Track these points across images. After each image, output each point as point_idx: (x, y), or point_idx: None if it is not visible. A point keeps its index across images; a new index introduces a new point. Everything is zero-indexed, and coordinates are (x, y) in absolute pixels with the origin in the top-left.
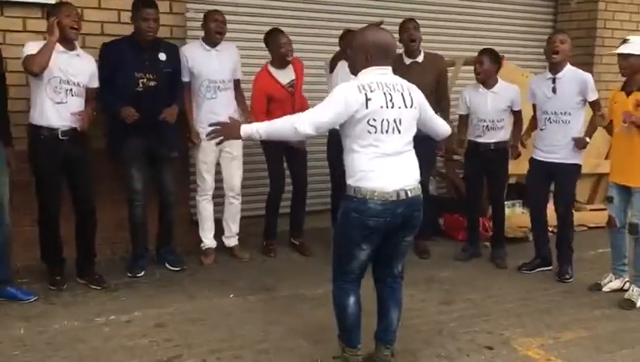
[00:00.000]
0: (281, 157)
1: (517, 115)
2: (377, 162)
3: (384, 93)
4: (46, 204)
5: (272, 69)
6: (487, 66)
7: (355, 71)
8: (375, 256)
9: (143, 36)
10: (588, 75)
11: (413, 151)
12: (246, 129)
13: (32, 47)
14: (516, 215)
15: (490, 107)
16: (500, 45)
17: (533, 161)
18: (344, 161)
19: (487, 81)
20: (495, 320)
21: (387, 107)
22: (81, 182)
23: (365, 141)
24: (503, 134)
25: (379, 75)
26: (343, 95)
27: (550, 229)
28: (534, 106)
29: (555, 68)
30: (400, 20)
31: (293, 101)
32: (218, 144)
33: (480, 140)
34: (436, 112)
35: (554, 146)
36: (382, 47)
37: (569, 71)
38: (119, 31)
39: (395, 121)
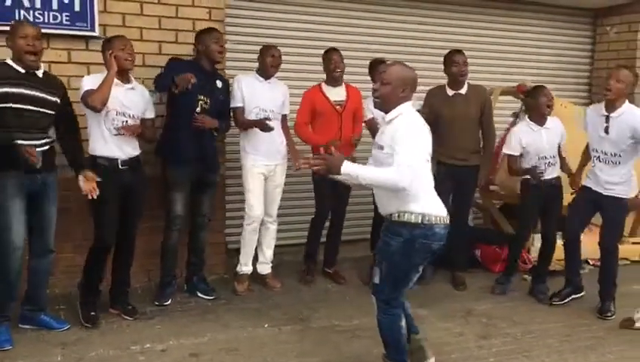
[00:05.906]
0: (329, 186)
1: (562, 148)
2: (432, 189)
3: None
4: (103, 233)
5: (323, 85)
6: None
7: (389, 104)
8: None
9: (214, 58)
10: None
11: None
12: (346, 168)
13: (90, 82)
14: (557, 247)
15: (546, 143)
16: (537, 75)
17: (584, 188)
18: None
19: (540, 119)
20: (536, 356)
21: None
22: (132, 213)
23: (423, 170)
24: (558, 169)
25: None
26: (421, 129)
27: (592, 263)
28: None
29: (609, 105)
30: (441, 51)
31: (340, 121)
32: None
33: (543, 178)
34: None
35: (605, 182)
36: (415, 82)
37: (626, 110)
38: (177, 51)
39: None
